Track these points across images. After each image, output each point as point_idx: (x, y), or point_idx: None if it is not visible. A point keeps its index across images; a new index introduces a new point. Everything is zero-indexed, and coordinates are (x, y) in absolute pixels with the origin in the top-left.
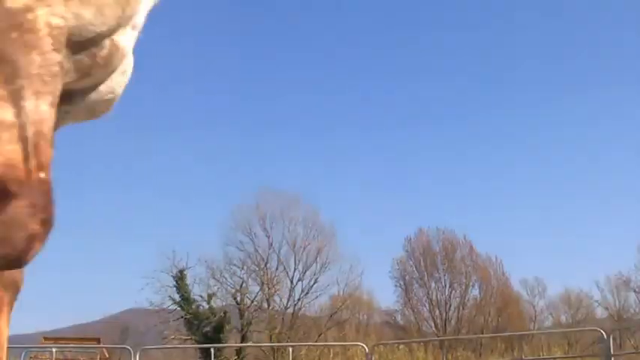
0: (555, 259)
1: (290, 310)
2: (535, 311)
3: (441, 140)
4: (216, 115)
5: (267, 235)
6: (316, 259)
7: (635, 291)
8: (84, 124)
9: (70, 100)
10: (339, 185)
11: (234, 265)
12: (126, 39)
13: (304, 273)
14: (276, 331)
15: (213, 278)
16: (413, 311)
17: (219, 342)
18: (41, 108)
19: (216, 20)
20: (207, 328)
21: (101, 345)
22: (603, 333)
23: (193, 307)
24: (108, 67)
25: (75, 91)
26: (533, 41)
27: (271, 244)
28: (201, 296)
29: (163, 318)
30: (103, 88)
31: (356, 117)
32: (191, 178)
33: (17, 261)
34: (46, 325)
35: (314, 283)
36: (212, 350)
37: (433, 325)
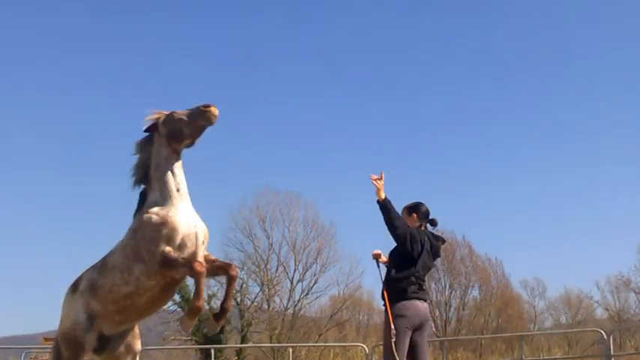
0: (555, 259)
1: (290, 311)
2: (535, 312)
3: (440, 140)
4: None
5: (267, 236)
6: (316, 259)
7: (635, 291)
8: None
9: None
10: (339, 185)
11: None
12: None
13: (304, 274)
14: (277, 331)
15: (214, 279)
16: None
17: (220, 343)
18: None
19: (215, 20)
20: (208, 329)
21: None
22: (603, 333)
23: None
24: None
25: None
26: (538, 45)
27: (271, 245)
28: None
29: (164, 319)
30: None
31: (356, 117)
32: (190, 178)
33: None
34: (46, 326)
35: (314, 284)
36: (212, 351)
37: (433, 325)
